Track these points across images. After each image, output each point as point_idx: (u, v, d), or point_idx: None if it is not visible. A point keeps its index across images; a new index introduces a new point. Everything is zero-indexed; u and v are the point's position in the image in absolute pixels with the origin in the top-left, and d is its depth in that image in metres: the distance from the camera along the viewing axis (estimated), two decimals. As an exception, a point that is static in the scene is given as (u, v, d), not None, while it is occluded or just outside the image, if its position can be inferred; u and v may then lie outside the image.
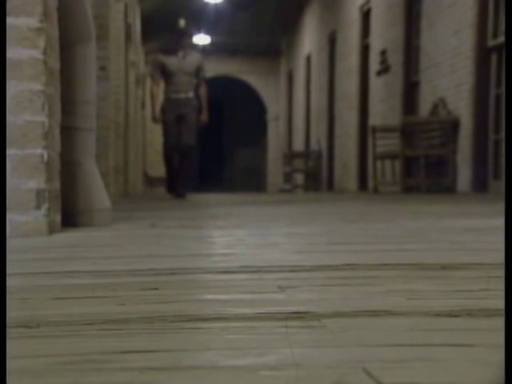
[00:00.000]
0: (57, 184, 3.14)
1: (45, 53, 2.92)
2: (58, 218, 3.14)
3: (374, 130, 12.08)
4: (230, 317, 1.13)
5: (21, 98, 2.89)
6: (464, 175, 9.90)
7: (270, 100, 25.97)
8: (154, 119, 9.91)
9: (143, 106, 19.51)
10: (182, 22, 9.81)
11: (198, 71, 9.85)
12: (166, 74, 9.75)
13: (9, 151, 2.86)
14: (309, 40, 20.57)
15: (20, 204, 2.89)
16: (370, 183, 13.41)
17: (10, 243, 2.53)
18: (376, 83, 13.89)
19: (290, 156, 20.74)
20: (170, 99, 9.72)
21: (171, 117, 9.66)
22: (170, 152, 9.77)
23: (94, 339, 0.99)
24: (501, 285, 1.39)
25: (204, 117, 9.81)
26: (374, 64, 13.97)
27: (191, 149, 9.68)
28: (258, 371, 0.80)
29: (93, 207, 3.48)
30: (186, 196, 9.68)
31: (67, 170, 3.44)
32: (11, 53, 2.88)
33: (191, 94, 9.80)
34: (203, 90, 9.93)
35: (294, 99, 23.30)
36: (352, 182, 15.34)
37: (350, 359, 0.85)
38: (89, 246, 2.45)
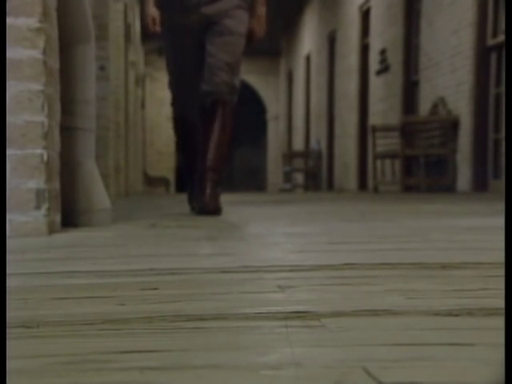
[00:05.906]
0: (57, 184, 3.14)
1: (44, 53, 2.91)
2: (57, 218, 3.14)
3: (374, 129, 12.08)
4: (230, 317, 1.13)
5: (20, 98, 2.89)
6: (464, 174, 9.90)
7: (269, 100, 25.96)
8: (147, 25, 4.50)
9: (143, 105, 19.50)
10: None
11: None
12: None
13: (8, 151, 2.86)
14: (308, 40, 20.57)
15: (20, 204, 2.89)
16: (370, 183, 13.40)
17: (10, 243, 2.53)
18: (376, 83, 13.89)
19: (289, 156, 20.75)
20: None
21: (185, 24, 4.46)
22: (186, 112, 4.57)
23: (93, 339, 0.99)
24: (500, 284, 1.39)
25: (258, 26, 4.79)
26: (374, 63, 13.97)
27: (231, 97, 4.43)
28: (258, 371, 0.80)
29: (93, 207, 3.48)
30: (221, 211, 4.32)
31: (67, 170, 3.44)
32: (11, 53, 2.88)
33: None
34: None
35: (294, 99, 23.29)
36: (352, 182, 15.34)
37: (350, 359, 0.85)
38: (89, 246, 2.44)
